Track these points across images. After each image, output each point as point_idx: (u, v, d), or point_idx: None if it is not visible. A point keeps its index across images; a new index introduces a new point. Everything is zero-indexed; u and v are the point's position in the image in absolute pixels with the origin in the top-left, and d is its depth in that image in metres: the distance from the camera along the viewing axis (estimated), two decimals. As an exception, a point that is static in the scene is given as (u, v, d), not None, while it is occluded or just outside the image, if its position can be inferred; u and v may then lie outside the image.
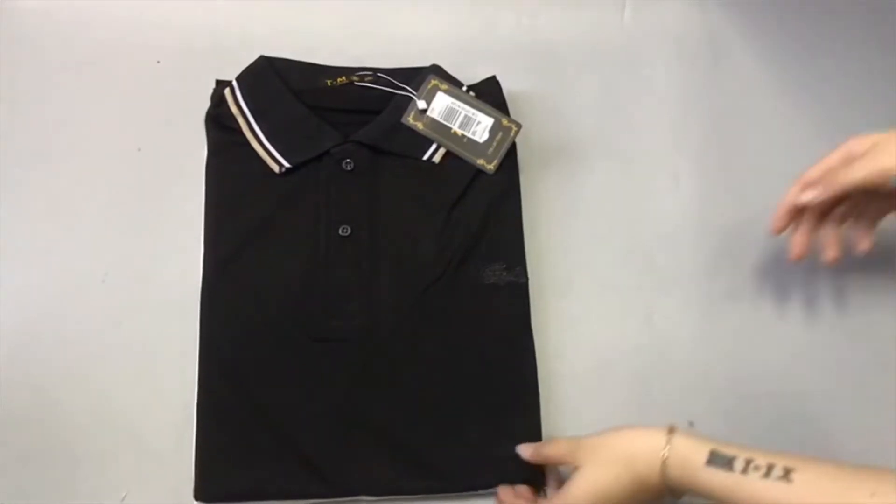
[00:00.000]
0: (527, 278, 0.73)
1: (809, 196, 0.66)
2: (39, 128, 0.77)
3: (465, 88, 0.76)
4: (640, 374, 0.74)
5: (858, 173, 0.62)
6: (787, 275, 0.77)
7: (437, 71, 0.77)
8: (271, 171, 0.72)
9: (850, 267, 0.75)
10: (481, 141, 0.75)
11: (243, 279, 0.70)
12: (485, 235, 0.72)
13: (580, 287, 0.76)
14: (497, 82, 0.77)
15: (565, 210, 0.78)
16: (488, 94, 0.76)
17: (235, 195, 0.72)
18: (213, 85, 0.78)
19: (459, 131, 0.75)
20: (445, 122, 0.75)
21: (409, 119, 0.76)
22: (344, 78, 0.76)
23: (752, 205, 0.78)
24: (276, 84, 0.75)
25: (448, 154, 0.75)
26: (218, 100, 0.76)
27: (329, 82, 0.76)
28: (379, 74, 0.76)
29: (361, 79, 0.77)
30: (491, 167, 0.75)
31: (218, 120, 0.74)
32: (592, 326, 0.75)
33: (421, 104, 0.75)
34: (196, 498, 0.65)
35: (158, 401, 0.69)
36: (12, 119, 0.78)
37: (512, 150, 0.75)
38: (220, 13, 0.83)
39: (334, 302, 0.70)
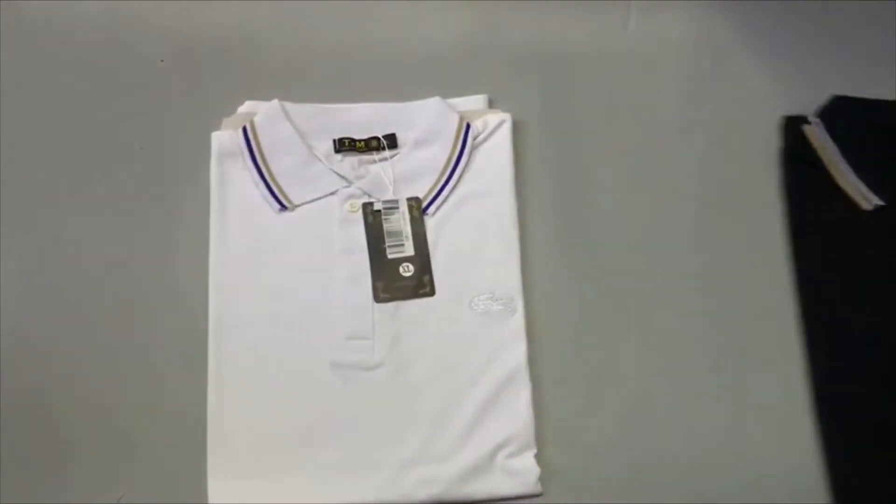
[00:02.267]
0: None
1: None
2: (41, 125, 0.77)
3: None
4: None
5: None
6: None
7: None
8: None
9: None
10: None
11: None
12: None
13: (585, 301, 0.75)
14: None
15: (570, 221, 0.78)
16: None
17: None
18: (214, 85, 0.78)
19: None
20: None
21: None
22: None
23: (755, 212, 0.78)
24: None
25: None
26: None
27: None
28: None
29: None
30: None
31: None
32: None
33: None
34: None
35: (159, 402, 0.69)
36: (13, 117, 0.78)
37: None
38: (224, 13, 0.83)
39: None
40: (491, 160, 0.76)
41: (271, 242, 0.73)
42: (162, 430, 0.69)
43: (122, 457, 0.68)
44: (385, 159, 0.76)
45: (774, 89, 0.84)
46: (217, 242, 0.73)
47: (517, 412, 0.70)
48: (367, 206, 0.75)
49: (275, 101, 0.76)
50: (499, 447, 0.68)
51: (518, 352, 0.71)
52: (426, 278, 0.73)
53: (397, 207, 0.75)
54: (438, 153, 0.76)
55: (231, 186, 0.74)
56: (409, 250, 0.74)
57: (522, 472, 0.68)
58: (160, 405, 0.69)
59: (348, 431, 0.69)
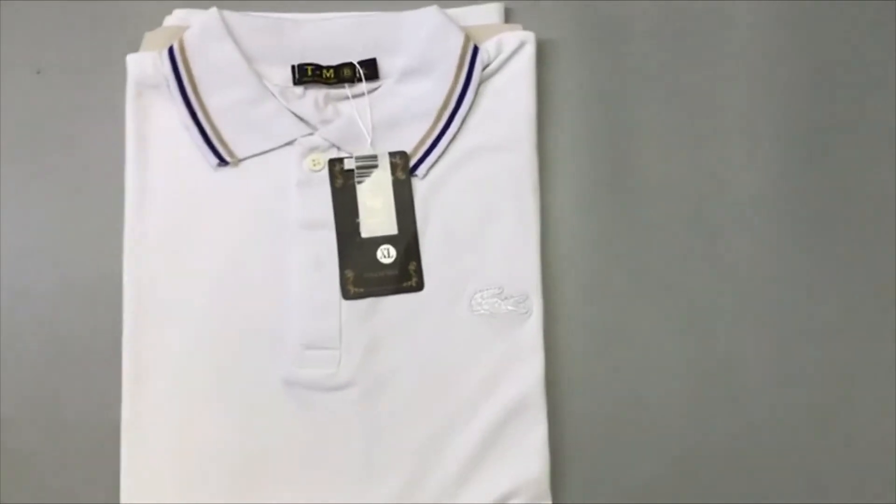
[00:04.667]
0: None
1: None
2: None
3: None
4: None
5: None
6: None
7: None
8: None
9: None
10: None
11: None
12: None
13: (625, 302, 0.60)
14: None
15: (612, 188, 0.61)
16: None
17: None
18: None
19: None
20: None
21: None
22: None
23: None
24: None
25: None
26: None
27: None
28: None
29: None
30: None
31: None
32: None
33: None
34: None
35: (58, 418, 0.59)
36: None
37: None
38: None
39: None
40: (506, 100, 0.59)
41: (205, 211, 0.58)
42: (62, 453, 0.58)
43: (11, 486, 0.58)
44: (362, 95, 0.59)
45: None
46: (133, 210, 0.58)
47: (529, 451, 0.56)
48: (335, 164, 0.58)
49: (213, 10, 0.59)
50: (504, 498, 0.56)
51: (533, 370, 0.57)
52: (412, 266, 0.58)
53: (376, 165, 0.58)
54: (434, 89, 0.58)
55: (152, 130, 0.59)
56: (391, 227, 0.58)
57: None
58: (59, 422, 0.58)
59: (305, 471, 0.56)
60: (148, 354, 0.56)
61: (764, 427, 0.58)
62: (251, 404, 0.56)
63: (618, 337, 0.59)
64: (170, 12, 0.60)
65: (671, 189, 0.60)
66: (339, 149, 0.58)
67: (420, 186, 0.58)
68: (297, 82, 0.58)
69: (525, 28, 0.60)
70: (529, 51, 0.59)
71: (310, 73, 0.58)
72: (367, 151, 0.58)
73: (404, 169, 0.58)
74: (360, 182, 0.58)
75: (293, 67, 0.58)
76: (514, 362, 0.56)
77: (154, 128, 0.58)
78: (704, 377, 0.58)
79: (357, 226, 0.57)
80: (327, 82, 0.58)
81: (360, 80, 0.58)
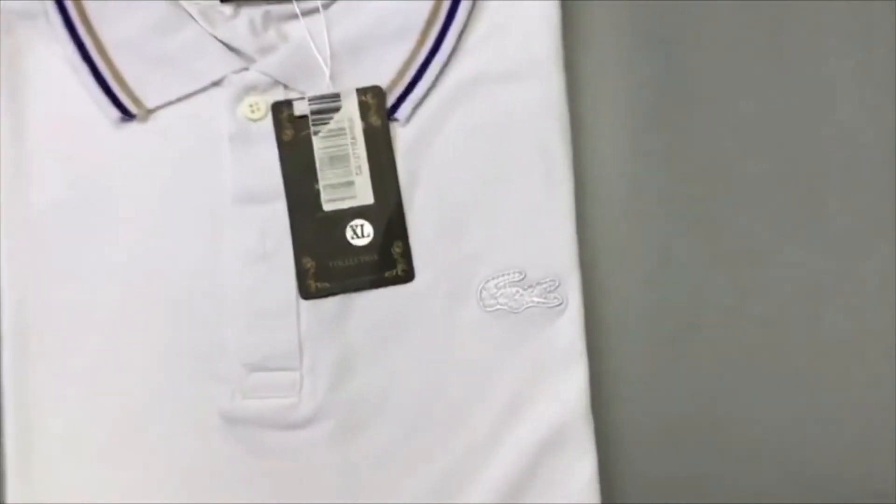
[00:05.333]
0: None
1: None
2: None
3: None
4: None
5: None
6: None
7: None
8: None
9: None
10: None
11: None
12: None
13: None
14: None
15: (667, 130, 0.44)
16: None
17: None
18: None
19: None
20: None
21: None
22: None
23: None
24: None
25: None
26: None
27: None
28: None
29: None
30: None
31: None
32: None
33: None
34: None
35: None
36: None
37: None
38: None
39: None
40: (519, 7, 0.43)
41: (105, 183, 0.42)
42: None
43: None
44: (315, 12, 0.43)
45: None
46: (9, 182, 0.42)
47: (572, 494, 0.41)
48: (281, 109, 0.42)
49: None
50: None
51: (572, 385, 0.42)
52: (397, 249, 0.42)
53: (339, 107, 0.42)
54: None
55: (30, 76, 0.43)
56: (365, 194, 0.42)
57: None
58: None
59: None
60: (33, 373, 0.41)
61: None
62: (178, 452, 0.41)
63: (688, 335, 0.43)
64: None
65: (758, 130, 0.44)
66: (286, 87, 0.42)
67: (403, 135, 0.42)
68: (224, -2, 0.42)
69: None
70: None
71: (242, -17, 0.42)
72: (326, 89, 0.42)
73: (379, 111, 0.41)
74: (317, 133, 0.41)
75: (219, -23, 0.42)
76: (546, 376, 0.42)
77: (32, 72, 0.43)
78: (816, 385, 0.43)
79: (317, 195, 0.41)
80: (266, -4, 0.42)
81: (312, -10, 0.42)
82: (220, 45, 0.41)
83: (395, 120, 0.41)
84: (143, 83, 0.42)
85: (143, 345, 0.41)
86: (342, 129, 0.41)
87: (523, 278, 0.41)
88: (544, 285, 0.41)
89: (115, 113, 0.41)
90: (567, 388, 0.41)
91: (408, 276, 0.41)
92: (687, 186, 0.44)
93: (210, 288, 0.41)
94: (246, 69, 0.41)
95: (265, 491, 0.40)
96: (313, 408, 0.40)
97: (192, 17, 0.42)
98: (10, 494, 0.41)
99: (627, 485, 0.42)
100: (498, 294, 0.41)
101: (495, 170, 0.42)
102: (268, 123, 0.41)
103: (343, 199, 0.41)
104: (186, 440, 0.40)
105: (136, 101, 0.41)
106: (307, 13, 0.42)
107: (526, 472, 0.40)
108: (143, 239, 0.41)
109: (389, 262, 0.41)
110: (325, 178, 0.41)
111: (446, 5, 0.41)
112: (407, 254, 0.41)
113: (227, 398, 0.40)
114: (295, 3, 0.42)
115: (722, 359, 0.43)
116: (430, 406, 0.41)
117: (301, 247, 0.41)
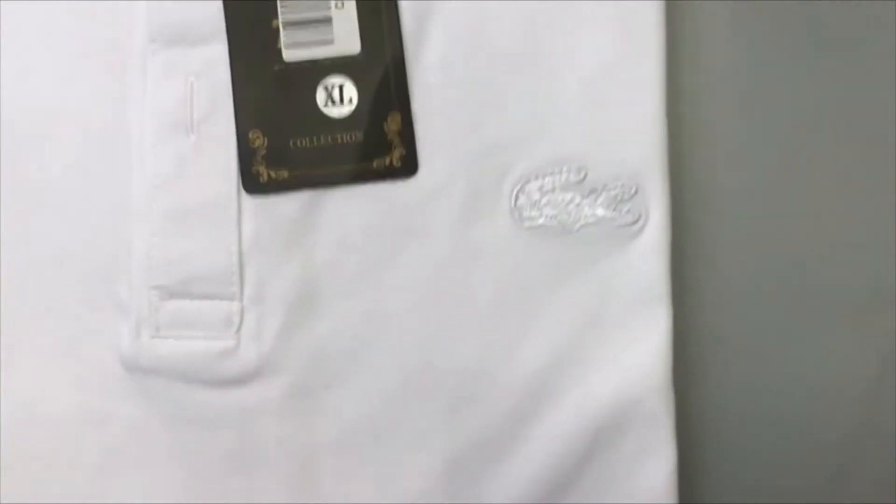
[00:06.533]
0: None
1: None
2: None
3: None
4: None
5: None
6: None
7: None
8: None
9: None
10: None
11: None
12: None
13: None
14: None
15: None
16: None
17: None
18: None
19: None
20: None
21: None
22: None
23: None
24: None
25: None
26: None
27: None
28: None
29: None
30: None
31: None
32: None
33: None
34: None
35: None
36: None
37: None
38: None
39: None
40: None
41: None
42: None
43: None
44: None
45: None
46: None
47: (644, 492, 0.29)
48: None
49: None
50: None
51: (646, 346, 0.28)
52: (393, 124, 0.28)
53: None
54: None
55: None
56: (349, 38, 0.27)
57: None
58: None
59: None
60: None
61: None
62: (57, 413, 0.28)
63: (815, 280, 0.29)
64: None
65: None
66: None
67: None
68: None
69: None
70: None
71: None
72: None
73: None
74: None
75: None
76: (608, 330, 0.28)
77: None
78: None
79: (274, 36, 0.27)
80: None
81: None
82: None
83: (398, -74, 0.27)
84: None
85: (9, 254, 0.28)
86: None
87: (582, 179, 0.27)
88: (614, 192, 0.27)
89: None
90: (638, 349, 0.27)
91: (408, 167, 0.27)
92: (819, 57, 0.29)
93: (108, 171, 0.27)
94: None
95: (183, 477, 0.28)
96: (257, 356, 0.27)
97: None
98: None
99: (715, 485, 0.29)
100: (542, 202, 0.27)
101: (545, 12, 0.28)
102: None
103: (314, 43, 0.27)
104: (68, 396, 0.28)
105: None
106: None
107: (571, 466, 0.27)
108: (21, 92, 0.28)
109: (381, 144, 0.27)
110: (288, 9, 0.27)
111: None
112: (408, 133, 0.27)
113: (131, 336, 0.27)
114: None
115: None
116: (429, 364, 0.27)
117: (247, 115, 0.27)
